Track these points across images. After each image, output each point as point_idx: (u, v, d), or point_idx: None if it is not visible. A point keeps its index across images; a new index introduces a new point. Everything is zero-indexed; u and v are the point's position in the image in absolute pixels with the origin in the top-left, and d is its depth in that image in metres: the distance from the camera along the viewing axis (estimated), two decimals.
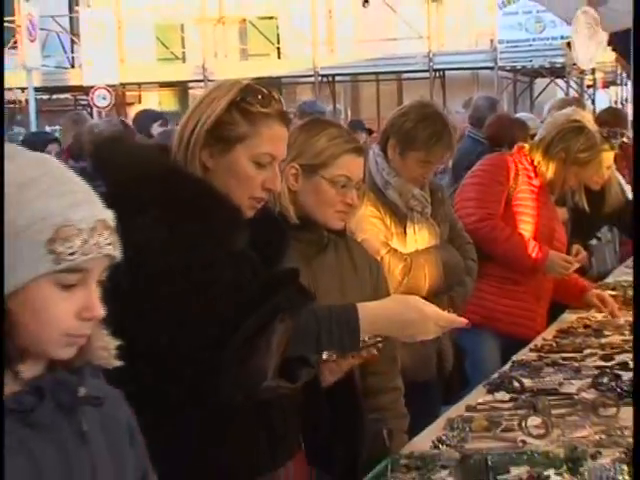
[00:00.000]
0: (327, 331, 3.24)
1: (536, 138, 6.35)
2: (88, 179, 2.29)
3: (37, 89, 27.89)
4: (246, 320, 3.01)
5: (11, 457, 2.07)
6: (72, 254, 2.07)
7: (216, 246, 3.12)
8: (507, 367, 5.01)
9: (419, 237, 5.03)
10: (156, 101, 28.49)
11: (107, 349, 2.25)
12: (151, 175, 3.19)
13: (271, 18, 30.05)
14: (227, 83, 3.25)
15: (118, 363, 2.27)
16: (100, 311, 2.14)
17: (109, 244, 2.15)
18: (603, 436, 3.77)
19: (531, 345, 5.52)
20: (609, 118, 8.99)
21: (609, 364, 4.82)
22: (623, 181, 7.50)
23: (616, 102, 18.48)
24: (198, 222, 3.09)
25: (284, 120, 3.26)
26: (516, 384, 4.53)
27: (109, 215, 2.18)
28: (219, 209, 3.14)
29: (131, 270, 2.91)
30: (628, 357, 4.93)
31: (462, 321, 3.51)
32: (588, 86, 15.98)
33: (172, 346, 2.99)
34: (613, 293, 6.86)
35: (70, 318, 2.12)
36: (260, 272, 3.24)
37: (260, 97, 3.18)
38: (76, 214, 2.10)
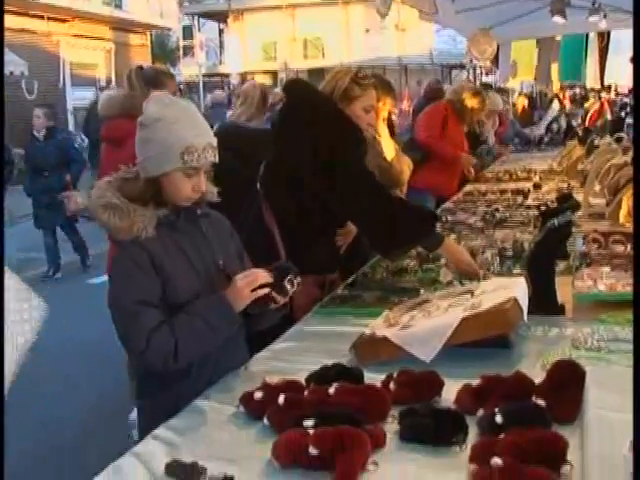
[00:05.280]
0: None
1: (450, 96, 6.13)
2: None
3: (203, 75, 27.80)
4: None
5: (169, 247, 2.17)
6: (192, 160, 2.12)
7: (360, 148, 3.08)
8: (439, 210, 4.97)
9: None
10: (261, 80, 28.44)
11: (213, 192, 2.29)
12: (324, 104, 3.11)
13: (319, 38, 29.72)
14: (344, 68, 3.21)
15: (218, 200, 2.31)
16: (204, 187, 2.19)
17: (212, 156, 2.17)
18: (486, 243, 3.75)
19: (451, 200, 5.48)
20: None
21: (489, 209, 4.74)
22: None
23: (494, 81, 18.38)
24: (347, 134, 3.02)
25: (375, 87, 3.18)
26: (444, 219, 4.53)
27: (214, 140, 2.20)
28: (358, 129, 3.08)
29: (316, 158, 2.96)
30: (498, 205, 4.90)
31: None
32: (479, 73, 15.92)
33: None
34: (491, 175, 6.83)
35: (188, 190, 2.17)
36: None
37: (363, 76, 3.12)
38: (196, 140, 2.13)
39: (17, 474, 3.86)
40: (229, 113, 6.12)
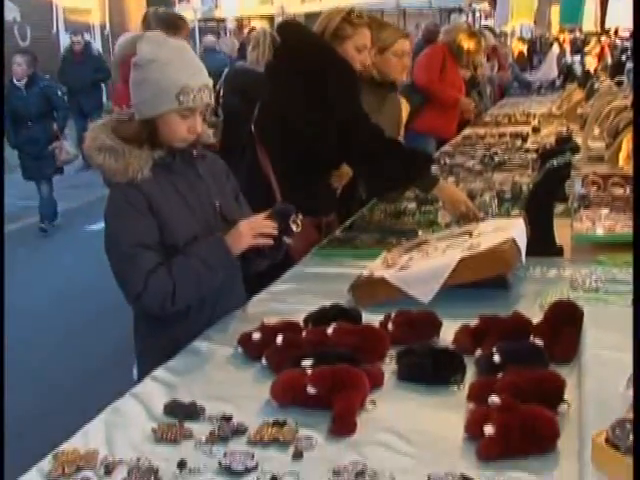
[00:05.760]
0: None
1: (445, 38, 6.02)
2: None
3: (199, 20, 27.27)
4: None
5: (165, 189, 2.14)
6: (187, 101, 2.07)
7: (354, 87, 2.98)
8: (437, 154, 4.92)
9: None
10: (258, 25, 27.84)
11: (208, 134, 2.25)
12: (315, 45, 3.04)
13: None
14: (336, 9, 3.11)
15: (214, 140, 2.29)
16: (199, 129, 2.15)
17: (208, 96, 2.12)
18: (484, 186, 3.70)
19: (450, 143, 5.42)
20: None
21: (488, 152, 4.68)
22: None
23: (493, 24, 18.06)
24: (340, 73, 2.94)
25: (369, 26, 3.10)
26: (442, 162, 4.48)
27: (210, 81, 2.15)
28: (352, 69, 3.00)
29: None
30: (496, 149, 4.84)
31: None
32: (478, 17, 15.72)
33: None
34: (490, 119, 6.76)
35: (184, 132, 2.12)
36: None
37: (355, 15, 3.05)
38: (192, 80, 2.08)
39: (18, 419, 3.90)
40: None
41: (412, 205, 3.36)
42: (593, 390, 1.59)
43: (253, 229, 2.12)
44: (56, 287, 6.27)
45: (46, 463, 1.50)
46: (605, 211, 2.85)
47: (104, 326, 5.09)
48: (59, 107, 8.10)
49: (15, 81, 7.81)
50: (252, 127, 3.06)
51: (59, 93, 8.47)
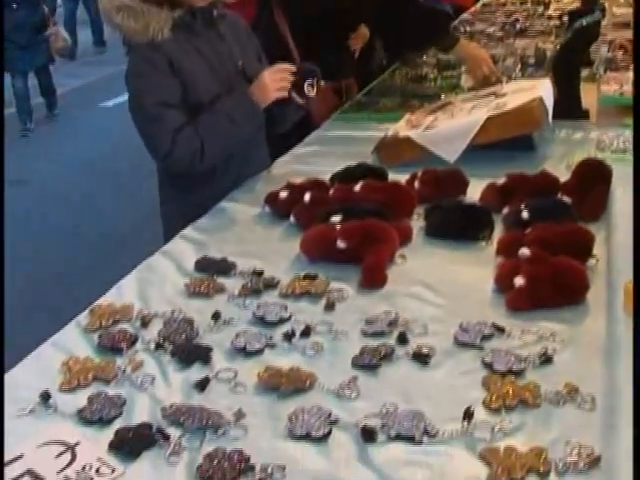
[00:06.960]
0: None
1: None
2: None
3: None
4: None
5: (186, 49, 2.06)
6: None
7: None
8: (456, 22, 4.67)
9: None
10: None
11: None
12: None
13: None
14: None
15: (234, 0, 2.18)
16: None
17: None
18: (506, 52, 3.53)
19: (468, 11, 5.10)
20: None
21: (509, 20, 4.44)
22: None
23: None
24: None
25: None
26: (462, 29, 4.27)
27: None
28: None
29: None
30: (519, 16, 4.63)
31: None
32: None
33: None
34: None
35: None
36: None
37: None
38: None
39: (52, 276, 3.99)
40: None
41: (433, 71, 3.26)
42: (622, 243, 1.58)
43: (275, 80, 2.05)
44: (78, 157, 6.23)
45: (83, 317, 1.51)
46: (632, 74, 2.76)
47: (126, 193, 5.10)
48: None
49: None
50: None
51: None
